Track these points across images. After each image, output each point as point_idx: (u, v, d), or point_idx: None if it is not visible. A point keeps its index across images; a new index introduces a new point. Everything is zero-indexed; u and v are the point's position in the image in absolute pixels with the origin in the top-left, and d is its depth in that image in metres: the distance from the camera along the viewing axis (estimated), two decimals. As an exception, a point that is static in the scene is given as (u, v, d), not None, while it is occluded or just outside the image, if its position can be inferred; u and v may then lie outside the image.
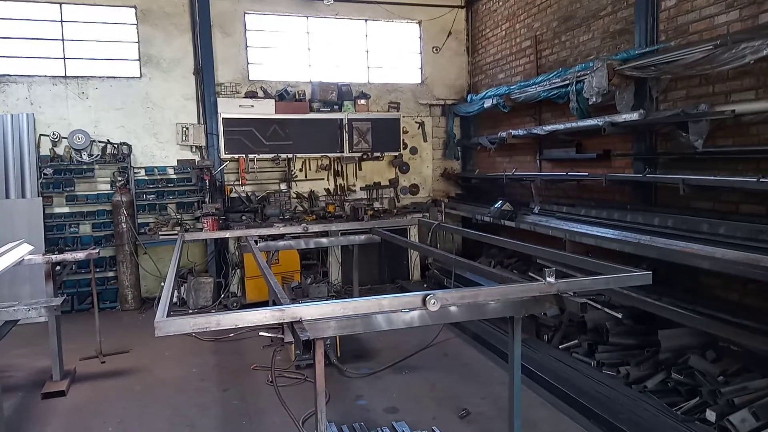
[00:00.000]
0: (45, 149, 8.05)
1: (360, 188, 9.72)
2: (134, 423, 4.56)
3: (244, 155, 8.67)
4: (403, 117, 9.75)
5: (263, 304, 7.17)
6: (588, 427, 4.20)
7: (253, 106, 8.69)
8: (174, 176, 8.70)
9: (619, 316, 5.32)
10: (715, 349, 4.62)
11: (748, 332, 4.12)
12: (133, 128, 8.54)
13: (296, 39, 9.50)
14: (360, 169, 9.67)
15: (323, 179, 9.53)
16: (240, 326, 2.77)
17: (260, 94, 8.98)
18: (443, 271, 8.28)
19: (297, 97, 9.05)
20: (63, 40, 8.29)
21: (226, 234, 7.35)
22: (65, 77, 8.24)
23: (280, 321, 2.79)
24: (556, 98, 6.94)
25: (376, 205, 9.66)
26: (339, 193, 9.54)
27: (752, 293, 4.73)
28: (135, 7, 8.50)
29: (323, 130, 9.10)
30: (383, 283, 9.09)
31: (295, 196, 9.29)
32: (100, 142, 8.26)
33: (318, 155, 9.29)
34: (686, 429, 3.88)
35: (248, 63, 9.17)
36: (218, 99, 8.67)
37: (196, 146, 8.78)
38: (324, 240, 6.91)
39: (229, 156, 8.65)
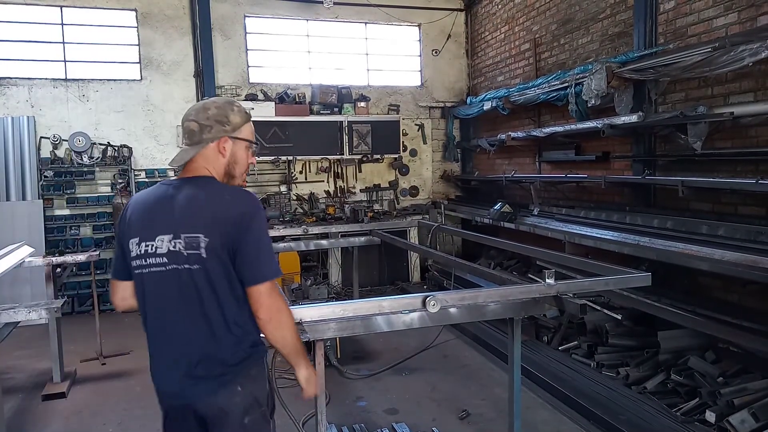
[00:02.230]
0: (45, 152, 8.06)
1: (360, 190, 9.73)
2: (135, 425, 4.56)
3: (244, 157, 8.67)
4: (403, 119, 9.77)
5: (263, 306, 7.15)
6: (588, 428, 4.21)
7: (253, 108, 8.66)
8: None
9: (619, 317, 5.33)
10: (715, 350, 4.63)
11: (748, 333, 4.12)
12: (134, 131, 8.55)
13: (296, 42, 9.51)
14: (360, 171, 9.68)
15: (323, 181, 9.54)
16: (241, 327, 2.77)
17: (260, 96, 9.00)
18: (443, 272, 8.29)
19: (297, 100, 9.06)
20: (63, 42, 8.30)
21: (227, 236, 7.34)
22: (66, 80, 8.26)
23: (281, 322, 2.79)
24: (556, 100, 6.96)
25: (376, 207, 9.65)
26: (339, 195, 9.55)
27: (752, 294, 4.73)
28: (135, 10, 8.52)
29: (323, 133, 9.12)
30: (383, 284, 9.09)
31: (295, 198, 9.30)
32: (100, 144, 8.27)
33: (318, 157, 9.31)
34: (686, 430, 3.90)
35: (248, 66, 9.19)
36: (218, 101, 8.67)
37: (197, 149, 8.79)
38: (324, 242, 6.93)
39: (229, 158, 8.64)
